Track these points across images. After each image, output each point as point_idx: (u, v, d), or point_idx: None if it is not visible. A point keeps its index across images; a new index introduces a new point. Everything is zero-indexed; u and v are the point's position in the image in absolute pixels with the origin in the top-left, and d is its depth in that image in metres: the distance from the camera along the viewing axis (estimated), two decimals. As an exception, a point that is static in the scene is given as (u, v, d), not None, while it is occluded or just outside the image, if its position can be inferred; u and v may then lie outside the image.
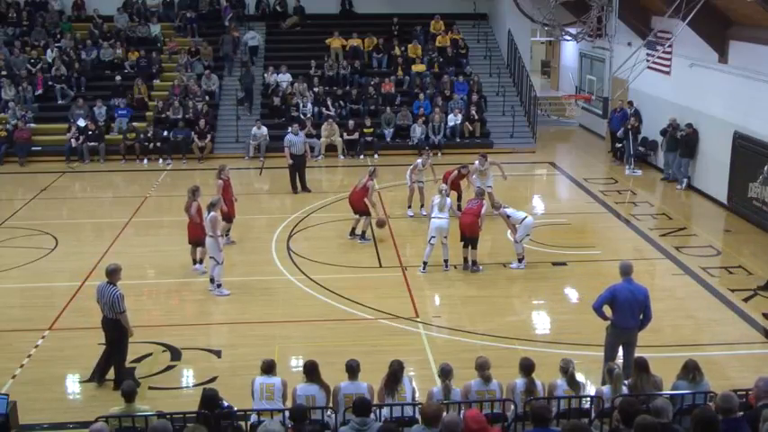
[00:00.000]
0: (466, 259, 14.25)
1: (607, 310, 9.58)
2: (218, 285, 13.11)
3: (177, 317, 12.46)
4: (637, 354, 9.37)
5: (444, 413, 6.89)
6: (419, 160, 17.44)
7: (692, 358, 8.16)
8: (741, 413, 6.80)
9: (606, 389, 7.91)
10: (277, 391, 8.15)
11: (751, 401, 7.48)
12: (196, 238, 13.80)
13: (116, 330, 10.13)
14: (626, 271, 9.56)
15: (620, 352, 9.71)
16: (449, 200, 14.40)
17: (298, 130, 19.97)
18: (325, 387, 8.06)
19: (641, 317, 9.56)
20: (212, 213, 12.88)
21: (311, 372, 8.10)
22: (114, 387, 9.98)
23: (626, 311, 9.44)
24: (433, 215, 14.07)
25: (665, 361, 9.76)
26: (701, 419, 6.17)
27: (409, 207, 17.46)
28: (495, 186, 16.99)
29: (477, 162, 16.97)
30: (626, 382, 8.40)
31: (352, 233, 15.84)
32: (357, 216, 15.75)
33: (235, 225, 17.15)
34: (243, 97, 24.72)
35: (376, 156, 22.99)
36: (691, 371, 7.97)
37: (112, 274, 10.08)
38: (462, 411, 7.61)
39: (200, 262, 14.11)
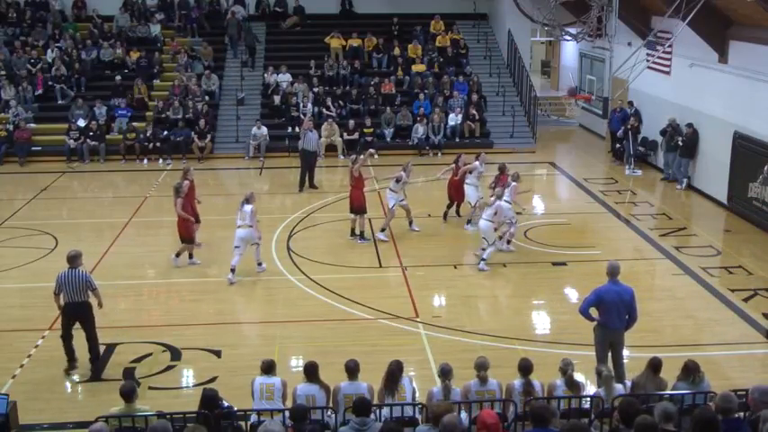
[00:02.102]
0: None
1: (594, 311, 9.59)
2: (233, 270, 13.72)
3: (177, 317, 12.46)
4: (637, 354, 9.39)
5: (453, 413, 6.89)
6: (402, 173, 15.76)
7: (693, 359, 8.16)
8: (741, 413, 6.80)
9: (602, 391, 7.93)
10: (277, 391, 8.15)
11: (750, 402, 7.49)
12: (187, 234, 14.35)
13: (85, 311, 10.40)
14: (613, 272, 9.55)
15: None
16: (493, 200, 14.34)
17: (311, 126, 20.29)
18: (325, 387, 8.07)
19: (627, 317, 9.56)
20: (252, 206, 13.75)
21: (311, 372, 8.11)
22: (91, 363, 10.49)
23: (613, 312, 9.45)
24: (484, 216, 14.16)
25: (665, 361, 9.75)
26: (700, 419, 6.17)
27: (383, 231, 15.84)
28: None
29: (477, 162, 16.41)
30: (628, 382, 8.43)
31: (353, 233, 15.85)
32: (353, 216, 15.76)
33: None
34: (246, 54, 26.23)
35: (376, 156, 22.97)
36: (691, 372, 7.98)
37: (75, 259, 10.36)
38: (463, 412, 7.65)
39: (178, 256, 14.52)
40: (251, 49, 26.29)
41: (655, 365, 8.11)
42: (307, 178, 19.78)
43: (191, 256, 14.58)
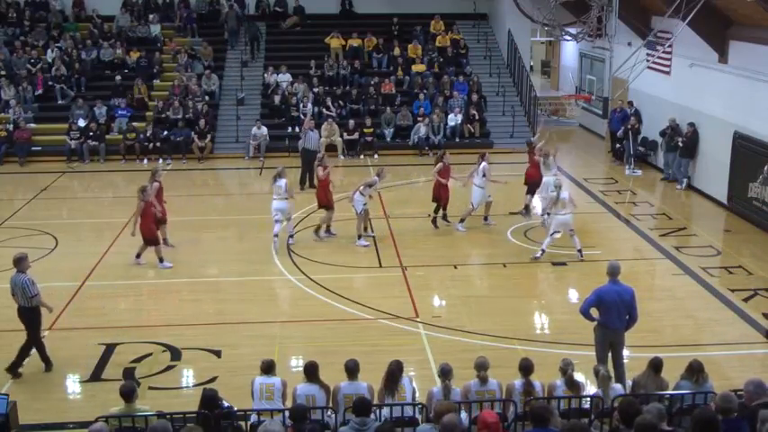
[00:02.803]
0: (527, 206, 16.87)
1: (594, 311, 9.59)
2: (276, 235, 15.04)
3: (177, 317, 12.45)
4: (637, 354, 9.39)
5: (455, 413, 6.90)
6: (376, 178, 15.62)
7: (698, 360, 8.16)
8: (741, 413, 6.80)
9: (600, 391, 7.94)
10: (277, 391, 8.15)
11: (745, 395, 7.48)
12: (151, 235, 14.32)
13: (23, 317, 10.39)
14: (613, 272, 9.53)
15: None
16: (565, 194, 14.34)
17: (313, 126, 20.58)
18: (325, 387, 8.07)
19: (627, 317, 9.56)
20: (285, 180, 14.96)
21: (311, 372, 8.10)
22: (8, 369, 10.37)
23: (613, 312, 9.44)
24: (559, 213, 14.22)
25: (665, 361, 9.74)
26: (700, 420, 6.17)
27: (366, 230, 15.81)
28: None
29: (484, 163, 16.09)
30: (629, 382, 8.42)
31: (317, 232, 15.81)
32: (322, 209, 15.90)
33: (235, 224, 17.21)
34: (246, 53, 26.64)
35: (376, 156, 23.00)
36: (695, 372, 7.98)
37: (19, 262, 10.35)
38: (463, 412, 7.65)
39: (138, 256, 14.46)
40: (253, 41, 26.48)
41: (656, 365, 8.13)
42: (307, 177, 19.79)
43: (161, 260, 14.37)
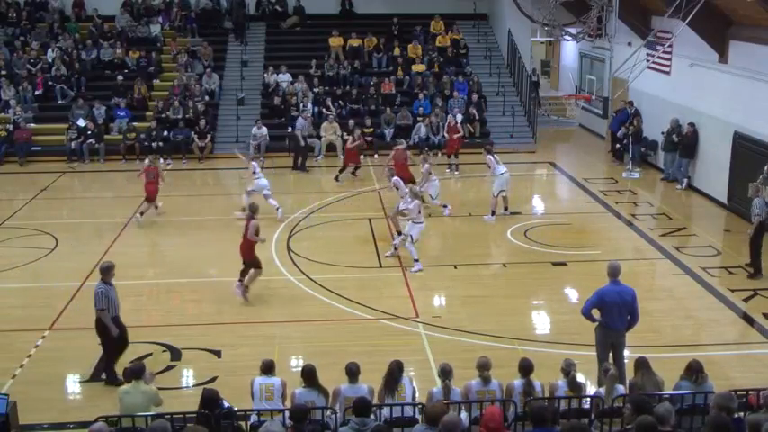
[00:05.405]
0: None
1: (595, 312, 9.59)
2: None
3: (177, 317, 12.46)
4: (637, 354, 9.34)
5: (453, 412, 6.89)
6: (252, 162, 17.76)
7: (697, 359, 8.16)
8: (741, 413, 6.80)
9: (602, 390, 7.92)
10: (276, 391, 8.15)
11: (751, 401, 7.47)
12: None
13: (98, 329, 10.26)
14: (613, 273, 9.54)
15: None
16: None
17: (307, 116, 22.07)
18: (324, 392, 8.04)
19: (628, 317, 9.56)
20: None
21: (310, 377, 8.06)
22: (103, 379, 10.29)
23: (614, 313, 9.45)
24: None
25: (665, 361, 9.77)
26: (716, 425, 6.16)
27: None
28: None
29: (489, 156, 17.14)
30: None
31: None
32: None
33: (235, 224, 17.13)
34: (235, 30, 27.19)
35: (376, 156, 22.99)
36: (694, 372, 7.97)
37: (104, 272, 10.22)
38: (463, 412, 7.65)
39: None
40: (238, 26, 26.79)
41: (644, 364, 8.10)
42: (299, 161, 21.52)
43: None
